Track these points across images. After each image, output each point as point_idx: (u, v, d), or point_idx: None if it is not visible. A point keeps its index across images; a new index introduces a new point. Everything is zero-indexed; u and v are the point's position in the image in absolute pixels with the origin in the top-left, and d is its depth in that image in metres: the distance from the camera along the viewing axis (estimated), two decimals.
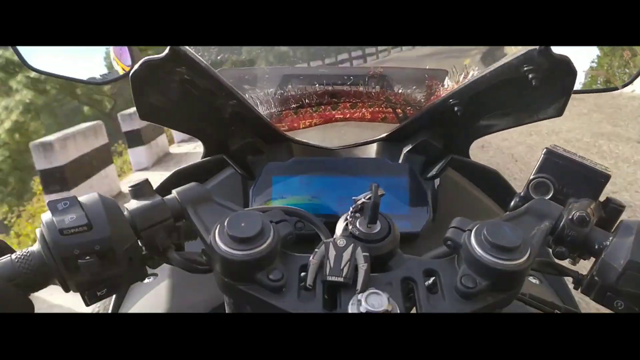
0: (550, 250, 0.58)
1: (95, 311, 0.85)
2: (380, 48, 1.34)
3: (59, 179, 5.30)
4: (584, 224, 0.55)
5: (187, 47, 0.67)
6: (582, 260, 0.59)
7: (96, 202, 0.52)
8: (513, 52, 0.71)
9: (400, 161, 0.89)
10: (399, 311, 0.47)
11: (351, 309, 0.47)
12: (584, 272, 0.57)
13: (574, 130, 6.70)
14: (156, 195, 0.57)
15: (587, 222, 0.55)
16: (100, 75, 0.94)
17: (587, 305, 0.72)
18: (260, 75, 1.04)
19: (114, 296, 0.80)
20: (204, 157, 0.91)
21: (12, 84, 12.67)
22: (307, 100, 0.95)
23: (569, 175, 0.62)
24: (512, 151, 5.73)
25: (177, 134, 9.48)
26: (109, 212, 0.51)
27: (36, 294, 0.52)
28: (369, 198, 0.53)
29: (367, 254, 0.50)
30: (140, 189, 0.57)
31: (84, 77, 0.95)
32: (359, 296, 0.48)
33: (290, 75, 1.01)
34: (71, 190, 5.26)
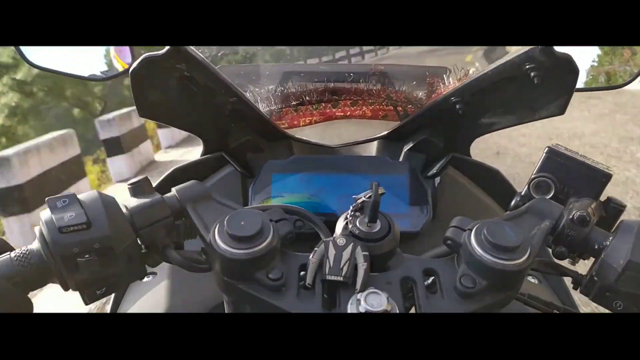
0: (550, 250, 0.58)
1: (94, 310, 0.85)
2: (365, 49, 1.34)
3: (18, 200, 4.70)
4: (585, 223, 0.55)
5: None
6: (581, 260, 0.59)
7: (95, 199, 0.52)
8: (514, 50, 0.70)
9: (400, 159, 0.88)
10: (398, 311, 0.47)
11: (350, 308, 0.47)
12: (583, 272, 0.57)
13: (598, 133, 6.32)
14: (155, 193, 0.57)
15: (588, 222, 0.55)
16: (101, 72, 0.94)
17: (587, 305, 0.72)
18: (260, 72, 1.04)
19: (112, 295, 0.81)
20: (203, 154, 0.90)
21: None
22: (307, 98, 0.95)
23: (570, 175, 0.62)
24: (532, 159, 5.19)
25: (164, 139, 9.28)
26: (108, 210, 0.51)
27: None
28: (370, 197, 0.52)
29: (366, 253, 0.50)
30: (140, 187, 0.57)
31: (85, 74, 0.95)
32: (359, 295, 0.48)
33: (290, 72, 1.01)
34: (33, 211, 4.71)
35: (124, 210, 0.54)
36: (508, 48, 1.03)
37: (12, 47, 0.85)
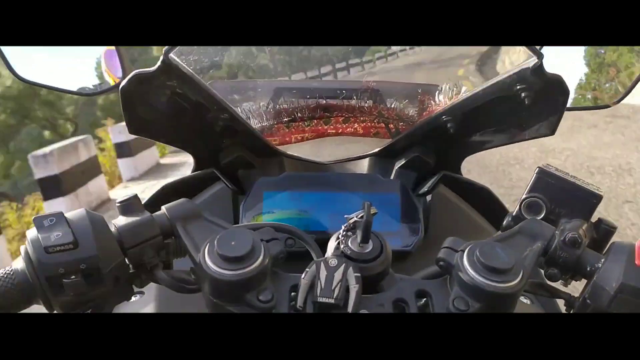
0: (542, 271, 0.57)
1: None
2: (365, 59, 1.35)
3: None
4: (576, 245, 0.55)
5: (178, 61, 0.67)
6: (574, 281, 0.59)
7: (83, 218, 0.51)
8: (506, 65, 0.71)
9: (392, 177, 0.88)
10: None
11: None
12: (576, 292, 0.56)
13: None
14: (145, 211, 0.56)
15: (579, 243, 0.55)
16: (91, 86, 0.93)
17: None
18: (252, 88, 1.04)
19: None
20: (194, 171, 0.90)
21: None
22: (299, 114, 0.95)
23: (561, 195, 0.62)
24: None
25: (126, 170, 7.82)
26: (95, 229, 0.50)
27: None
28: (361, 217, 0.52)
29: (358, 274, 0.50)
30: (129, 205, 0.56)
31: (74, 88, 0.94)
32: None
33: (282, 88, 1.01)
34: None
35: (112, 229, 0.53)
36: (499, 66, 1.04)
37: None
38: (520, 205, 0.63)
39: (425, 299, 0.52)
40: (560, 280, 0.58)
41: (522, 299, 0.80)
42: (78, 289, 0.48)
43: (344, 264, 0.50)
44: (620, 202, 4.36)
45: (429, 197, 0.86)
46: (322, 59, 1.24)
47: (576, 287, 0.58)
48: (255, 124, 0.93)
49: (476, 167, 5.26)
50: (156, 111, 0.74)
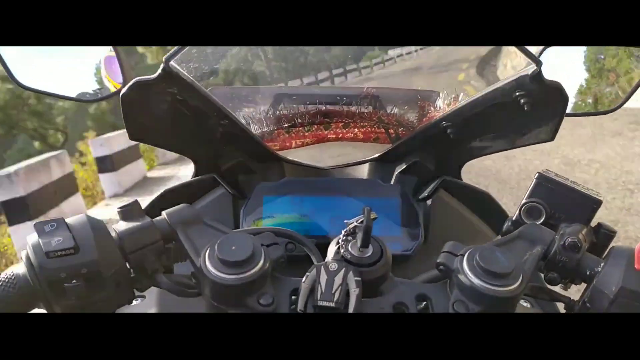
0: (542, 275, 0.58)
1: None
2: (362, 64, 1.35)
3: None
4: (576, 249, 0.55)
5: (179, 68, 0.67)
6: (573, 285, 0.59)
7: (84, 224, 0.51)
8: (508, 68, 0.71)
9: (392, 182, 0.88)
10: None
11: None
12: (576, 296, 0.56)
13: None
14: (145, 216, 0.56)
15: (579, 247, 0.55)
16: (91, 92, 0.93)
17: None
18: (252, 94, 1.04)
19: None
20: (194, 176, 0.90)
21: None
22: (299, 120, 0.95)
23: (560, 200, 0.62)
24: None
25: (109, 186, 7.27)
26: (96, 234, 0.50)
27: None
28: (361, 222, 0.52)
29: (358, 278, 0.50)
30: (130, 210, 0.56)
31: (74, 94, 0.94)
32: None
33: (282, 94, 1.01)
34: None
35: (113, 234, 0.53)
36: (500, 70, 1.04)
37: None
38: (520, 210, 0.63)
39: (425, 302, 0.52)
40: (560, 284, 0.58)
41: (522, 302, 0.80)
42: (79, 293, 0.48)
43: (344, 268, 0.50)
44: None
45: (429, 202, 0.86)
46: (318, 64, 1.25)
47: (577, 292, 0.58)
48: (255, 129, 0.93)
49: (494, 182, 4.95)
50: (157, 118, 0.74)
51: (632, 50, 1.03)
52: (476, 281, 0.49)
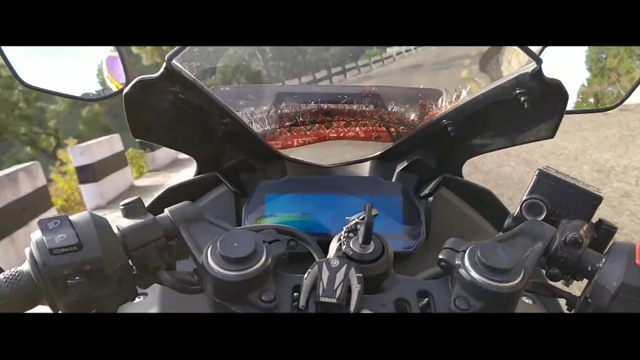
0: (544, 271, 0.58)
1: None
2: (361, 62, 1.35)
3: None
4: (577, 245, 0.55)
5: (181, 67, 0.67)
6: (575, 281, 0.59)
7: (87, 221, 0.51)
8: (512, 63, 0.71)
9: (393, 180, 0.89)
10: None
11: None
12: (577, 293, 0.57)
13: None
14: (148, 214, 0.56)
15: (580, 243, 0.55)
16: (94, 92, 0.94)
17: None
18: (254, 93, 1.05)
19: None
20: (196, 174, 0.90)
21: None
22: (301, 119, 0.95)
23: (561, 197, 0.62)
24: None
25: (90, 198, 6.72)
26: (100, 231, 0.51)
27: None
28: (363, 218, 0.52)
29: (360, 274, 0.50)
30: (133, 208, 0.56)
31: (77, 93, 0.95)
32: None
33: (284, 93, 1.02)
34: None
35: (116, 231, 0.53)
36: (504, 66, 1.04)
37: None
38: (520, 207, 0.63)
39: (427, 299, 0.52)
40: (561, 280, 0.58)
41: (523, 299, 0.81)
42: (82, 290, 0.48)
43: (345, 265, 0.51)
44: None
45: (430, 200, 0.86)
46: (317, 63, 1.25)
47: (579, 288, 0.58)
48: (257, 128, 0.94)
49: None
50: (159, 116, 0.75)
51: (633, 50, 1.03)
52: (477, 277, 0.49)
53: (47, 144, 12.77)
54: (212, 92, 0.75)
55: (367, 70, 1.35)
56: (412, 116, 0.97)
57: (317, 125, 0.96)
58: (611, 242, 0.58)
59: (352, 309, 0.48)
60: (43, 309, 0.52)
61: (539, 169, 0.65)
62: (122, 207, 0.56)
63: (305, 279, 0.50)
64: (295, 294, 0.51)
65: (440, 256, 0.53)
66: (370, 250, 0.53)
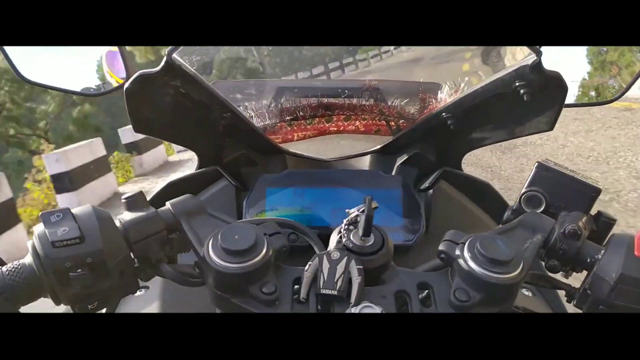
0: (543, 263, 0.58)
1: None
2: (358, 57, 1.35)
3: None
4: (576, 237, 0.55)
5: (181, 61, 0.67)
6: (574, 273, 0.59)
7: (89, 214, 0.52)
8: (515, 55, 0.71)
9: (393, 173, 0.89)
10: None
11: None
12: (577, 285, 0.57)
13: None
14: (150, 207, 0.56)
15: (579, 235, 0.55)
16: (94, 87, 0.94)
17: None
18: (254, 87, 1.05)
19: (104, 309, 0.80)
20: (197, 168, 0.91)
21: None
22: (301, 113, 0.96)
23: (560, 189, 0.63)
24: None
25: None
26: (102, 224, 0.51)
27: None
28: (363, 211, 0.53)
29: (360, 267, 0.50)
30: (134, 201, 0.56)
31: (78, 89, 0.95)
32: (353, 309, 0.48)
33: (284, 87, 1.02)
34: None
35: (118, 224, 0.54)
36: (508, 58, 1.04)
37: None
38: (520, 199, 0.64)
39: (427, 290, 0.52)
40: (560, 272, 0.58)
41: (523, 290, 0.81)
42: (84, 283, 0.49)
43: (346, 257, 0.51)
44: None
45: (430, 193, 0.86)
46: (314, 59, 1.25)
47: (578, 280, 0.58)
48: (257, 122, 0.94)
49: None
50: (160, 110, 0.75)
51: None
52: (477, 269, 0.49)
53: (38, 146, 11.77)
54: (213, 87, 0.75)
55: (366, 65, 1.35)
56: (412, 110, 0.97)
57: (317, 119, 0.96)
58: (610, 233, 0.59)
59: (352, 300, 0.48)
60: (45, 301, 0.52)
61: (537, 162, 0.65)
62: (124, 200, 0.56)
63: (306, 271, 0.51)
64: (296, 286, 0.51)
65: (440, 248, 0.53)
66: (370, 243, 0.53)
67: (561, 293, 0.61)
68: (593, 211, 0.62)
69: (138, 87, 0.67)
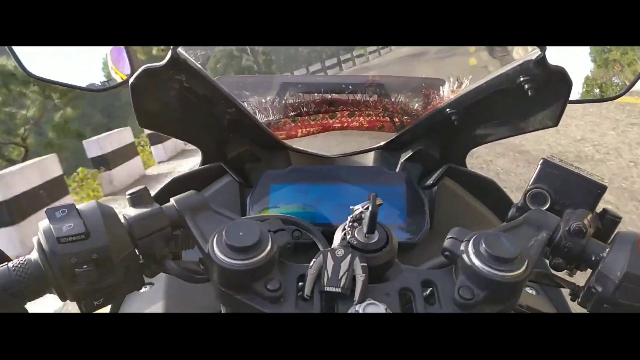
0: (547, 261, 0.58)
1: None
2: (356, 53, 1.35)
3: None
4: (581, 235, 0.55)
5: (186, 55, 0.67)
6: (578, 271, 0.59)
7: (94, 210, 0.52)
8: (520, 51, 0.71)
9: (397, 170, 0.89)
10: None
11: None
12: (581, 283, 0.57)
13: None
14: (154, 203, 0.56)
15: (584, 233, 0.55)
16: (99, 83, 0.94)
17: None
18: (259, 83, 1.05)
19: (109, 305, 0.80)
20: (201, 164, 0.91)
21: None
22: (305, 109, 0.96)
23: (565, 186, 0.62)
24: None
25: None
26: (106, 220, 0.51)
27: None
28: (367, 208, 0.53)
29: (365, 264, 0.50)
30: (139, 197, 0.56)
31: (83, 84, 0.95)
32: (357, 307, 0.48)
33: (288, 83, 1.02)
34: None
35: (122, 220, 0.54)
36: (515, 52, 1.04)
37: None
38: (524, 196, 0.63)
39: (430, 288, 0.52)
40: (565, 270, 0.58)
41: (527, 289, 0.81)
42: (90, 279, 0.49)
43: (350, 254, 0.51)
44: None
45: (434, 190, 0.86)
46: (310, 56, 1.24)
47: (582, 278, 0.58)
48: (261, 118, 0.94)
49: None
50: (165, 105, 0.75)
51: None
52: (482, 266, 0.49)
53: (18, 153, 11.03)
54: (217, 82, 0.75)
55: (363, 61, 1.34)
56: (416, 106, 0.97)
57: (321, 115, 0.96)
58: (615, 231, 0.58)
59: (356, 297, 0.48)
60: (51, 297, 0.53)
61: (543, 158, 0.65)
62: (128, 196, 0.56)
63: (310, 268, 0.51)
64: (300, 283, 0.51)
65: (444, 245, 0.53)
66: (374, 240, 0.53)
67: (565, 291, 0.61)
68: (598, 209, 0.62)
69: (143, 81, 0.67)
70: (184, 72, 0.69)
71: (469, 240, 0.51)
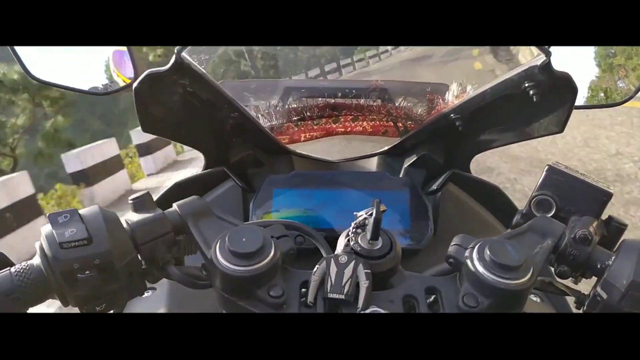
0: (553, 268, 0.57)
1: None
2: (355, 58, 1.34)
3: None
4: (587, 242, 0.54)
5: (190, 60, 0.67)
6: (584, 279, 0.59)
7: (96, 215, 0.52)
8: (525, 53, 0.70)
9: (401, 175, 0.88)
10: None
11: None
12: (586, 290, 0.56)
13: None
14: (157, 208, 0.56)
15: (590, 240, 0.55)
16: (102, 86, 0.94)
17: None
18: (262, 87, 1.04)
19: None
20: (204, 169, 0.90)
21: None
22: (308, 113, 0.95)
23: (571, 193, 0.62)
24: None
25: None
26: (109, 225, 0.51)
27: None
28: (371, 214, 0.52)
29: (368, 270, 0.50)
30: (141, 202, 0.56)
31: (86, 88, 0.95)
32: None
33: (291, 87, 1.02)
34: None
35: (125, 225, 0.53)
36: (522, 55, 1.03)
37: None
38: (529, 203, 0.63)
39: (434, 295, 0.52)
40: (570, 278, 0.57)
41: (532, 296, 0.80)
42: (92, 284, 0.49)
43: (354, 261, 0.51)
44: None
45: (438, 195, 0.86)
46: (309, 60, 1.24)
47: (588, 285, 0.57)
48: (265, 122, 0.94)
49: None
50: (168, 110, 0.75)
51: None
52: (486, 274, 0.48)
53: (8, 163, 10.52)
54: (220, 86, 0.75)
55: (363, 65, 1.34)
56: (420, 111, 0.96)
57: (324, 120, 0.96)
58: (621, 239, 0.58)
59: (360, 304, 0.48)
60: (53, 302, 0.52)
61: (548, 165, 0.64)
62: (131, 201, 0.56)
63: (314, 274, 0.50)
64: (303, 289, 0.51)
65: (449, 252, 0.52)
66: (378, 246, 0.53)
67: (570, 299, 0.60)
68: (604, 216, 0.62)
69: (147, 86, 0.67)
70: (188, 77, 0.68)
71: (473, 247, 0.51)
